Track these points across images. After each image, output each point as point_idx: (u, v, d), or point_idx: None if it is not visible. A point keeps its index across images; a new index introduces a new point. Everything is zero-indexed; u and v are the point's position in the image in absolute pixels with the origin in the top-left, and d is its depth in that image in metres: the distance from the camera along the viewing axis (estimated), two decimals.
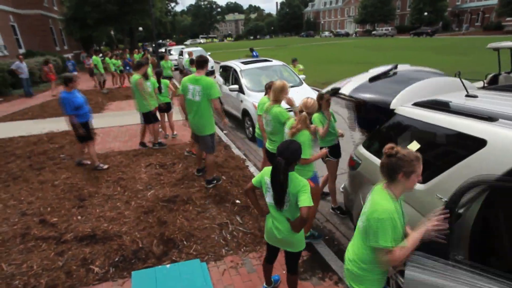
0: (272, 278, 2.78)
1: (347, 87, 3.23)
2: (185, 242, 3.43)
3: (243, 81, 7.31)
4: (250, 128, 6.98)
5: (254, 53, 15.96)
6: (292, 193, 2.16)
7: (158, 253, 3.27)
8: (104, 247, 3.38)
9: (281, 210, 2.24)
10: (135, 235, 3.56)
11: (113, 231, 3.64)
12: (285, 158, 2.12)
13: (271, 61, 8.31)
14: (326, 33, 70.06)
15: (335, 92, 3.46)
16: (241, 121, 7.49)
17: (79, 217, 3.99)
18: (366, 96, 3.06)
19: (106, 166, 5.47)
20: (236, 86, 7.35)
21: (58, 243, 3.48)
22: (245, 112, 6.99)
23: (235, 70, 7.73)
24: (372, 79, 3.17)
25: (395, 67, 3.32)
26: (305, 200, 2.09)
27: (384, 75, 3.21)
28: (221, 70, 9.16)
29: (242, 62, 8.16)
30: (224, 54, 31.46)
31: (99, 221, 3.88)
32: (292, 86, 7.10)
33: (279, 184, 2.13)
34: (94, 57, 13.72)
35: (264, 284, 2.75)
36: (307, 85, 7.69)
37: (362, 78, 3.31)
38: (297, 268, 2.50)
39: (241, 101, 7.13)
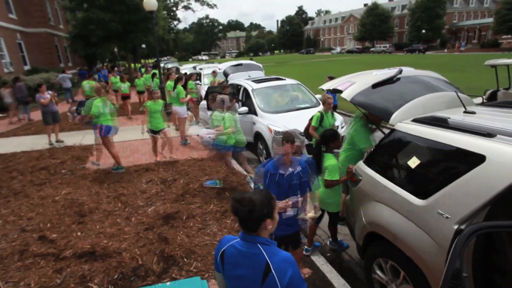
0: (314, 243, 3.62)
1: (350, 91, 3.18)
2: (185, 259, 3.39)
3: (256, 101, 6.63)
4: (264, 152, 6.26)
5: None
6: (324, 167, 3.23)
7: (158, 271, 3.23)
8: (104, 264, 3.34)
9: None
10: (135, 251, 3.53)
11: (113, 248, 3.60)
12: (322, 138, 3.35)
13: (284, 79, 7.71)
14: (338, 49, 70.91)
15: (336, 91, 3.45)
16: (253, 146, 6.70)
17: (78, 233, 3.96)
18: (369, 104, 3.03)
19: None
20: (245, 109, 6.65)
21: (57, 260, 3.45)
22: (258, 136, 6.30)
23: (245, 89, 7.16)
24: (376, 85, 3.15)
25: (400, 72, 3.30)
26: (326, 175, 3.19)
27: (388, 81, 3.20)
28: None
29: (253, 81, 7.48)
30: None
31: (99, 237, 3.85)
32: (308, 107, 6.74)
33: (316, 157, 3.30)
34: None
35: (306, 247, 3.54)
36: None
37: (365, 81, 3.24)
38: (336, 222, 3.64)
39: (254, 123, 6.47)
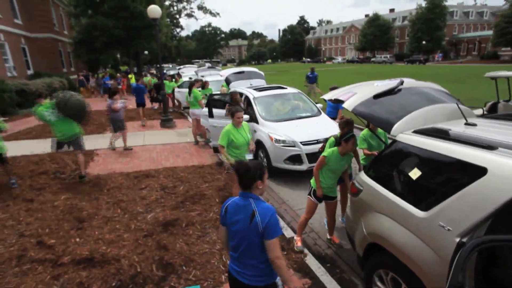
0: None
1: (351, 101, 3.19)
2: (184, 267, 3.36)
3: (257, 109, 6.71)
4: (265, 160, 6.28)
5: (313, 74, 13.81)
6: None
7: (156, 279, 3.20)
8: (102, 271, 3.31)
9: None
10: (133, 259, 3.50)
11: (112, 255, 3.57)
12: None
13: (286, 88, 7.77)
14: (339, 59, 69.39)
15: (338, 101, 3.47)
16: (254, 154, 6.39)
17: (77, 239, 3.93)
18: (371, 115, 3.05)
19: None
20: (246, 117, 6.26)
21: (55, 266, 3.42)
22: (259, 144, 6.32)
23: (247, 97, 7.21)
24: (377, 96, 3.17)
25: (401, 83, 3.33)
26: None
27: (389, 92, 3.22)
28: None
29: (255, 89, 7.57)
30: None
31: (98, 243, 3.82)
32: (309, 116, 6.77)
33: None
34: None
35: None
36: (326, 115, 7.07)
37: (367, 91, 3.26)
38: None
39: (255, 131, 6.51)
